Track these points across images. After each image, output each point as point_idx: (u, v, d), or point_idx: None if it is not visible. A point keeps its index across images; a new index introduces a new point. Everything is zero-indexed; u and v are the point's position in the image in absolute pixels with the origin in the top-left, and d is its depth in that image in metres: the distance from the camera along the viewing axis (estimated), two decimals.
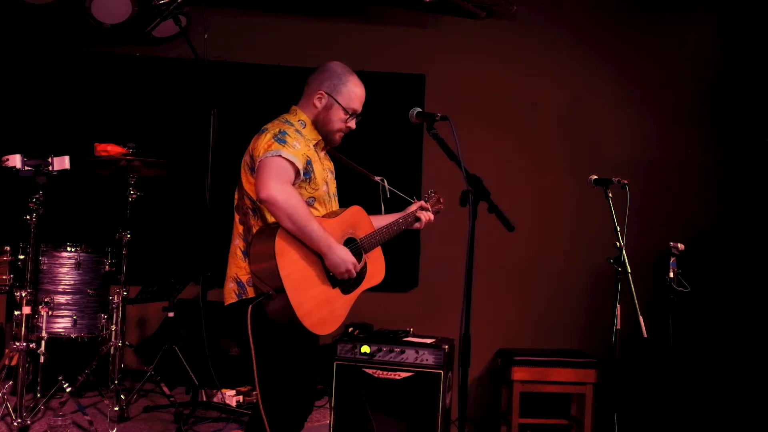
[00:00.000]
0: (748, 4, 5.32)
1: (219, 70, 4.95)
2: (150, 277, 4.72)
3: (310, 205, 2.76)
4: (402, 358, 3.96)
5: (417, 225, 3.17)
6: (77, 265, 4.27)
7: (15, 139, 4.72)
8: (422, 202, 3.23)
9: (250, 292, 2.70)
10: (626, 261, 3.43)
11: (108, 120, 5.13)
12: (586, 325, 5.27)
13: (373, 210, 3.12)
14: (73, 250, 4.28)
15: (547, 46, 5.46)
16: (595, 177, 3.66)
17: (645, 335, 3.30)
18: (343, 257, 2.69)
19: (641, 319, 3.30)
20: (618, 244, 3.44)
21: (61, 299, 4.22)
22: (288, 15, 5.45)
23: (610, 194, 3.52)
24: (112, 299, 4.34)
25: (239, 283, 2.74)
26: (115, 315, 4.32)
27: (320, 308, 2.67)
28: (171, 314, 4.60)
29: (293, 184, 2.68)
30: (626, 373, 4.91)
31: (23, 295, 3.94)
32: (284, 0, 5.44)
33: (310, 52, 5.37)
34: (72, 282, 4.25)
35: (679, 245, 3.63)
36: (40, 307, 4.12)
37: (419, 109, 2.81)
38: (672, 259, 3.61)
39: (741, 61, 5.33)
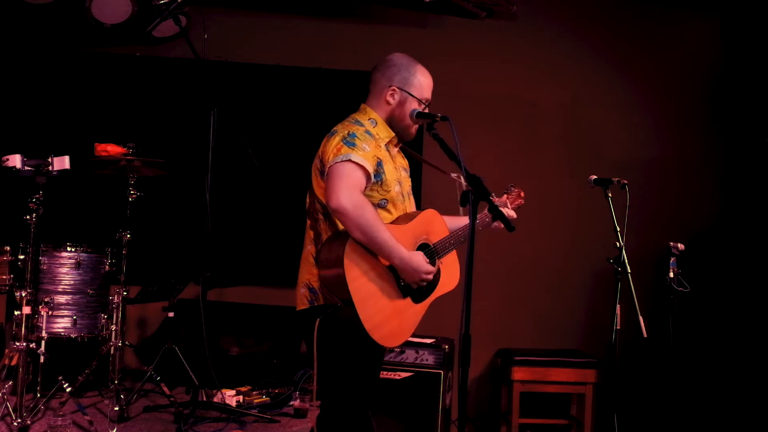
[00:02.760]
0: (748, 4, 5.31)
1: (219, 70, 4.94)
2: (150, 277, 4.72)
3: (382, 207, 2.68)
4: (402, 358, 3.97)
5: (495, 224, 3.00)
6: (77, 265, 4.26)
7: (15, 139, 4.73)
8: (501, 198, 3.10)
9: (322, 299, 2.63)
10: (626, 261, 3.43)
11: (108, 120, 5.14)
12: (586, 325, 5.27)
13: (451, 208, 3.00)
14: (73, 250, 4.27)
15: (547, 46, 5.46)
16: (595, 177, 3.65)
17: (645, 335, 3.30)
18: (417, 267, 2.60)
19: (641, 319, 3.29)
20: (618, 244, 3.44)
21: (61, 299, 4.22)
22: (288, 15, 5.45)
23: (610, 194, 3.52)
24: (112, 299, 4.34)
25: (311, 290, 2.65)
26: (115, 315, 4.32)
27: (390, 320, 2.58)
28: (171, 314, 4.60)
29: (365, 189, 2.60)
30: (626, 373, 4.91)
31: (23, 295, 3.94)
32: (284, 0, 5.44)
33: (310, 52, 5.38)
34: (72, 282, 4.25)
35: (679, 245, 3.63)
36: (40, 307, 4.12)
37: (419, 109, 2.80)
38: (672, 259, 3.61)
39: (741, 62, 5.33)
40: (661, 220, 5.22)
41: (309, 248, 2.71)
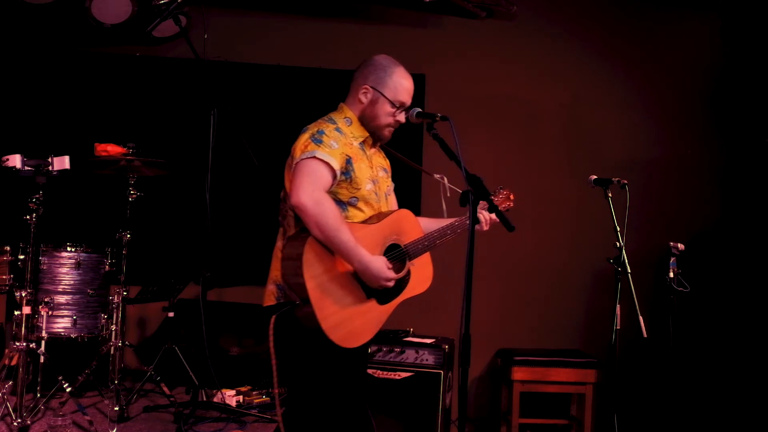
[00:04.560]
0: (748, 3, 5.31)
1: (219, 70, 4.94)
2: (150, 277, 4.72)
3: (352, 205, 2.64)
4: (402, 358, 3.96)
5: (477, 227, 2.87)
6: (77, 265, 4.27)
7: (15, 139, 4.73)
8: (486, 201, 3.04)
9: (291, 296, 2.57)
10: (626, 261, 3.43)
11: (108, 120, 5.14)
12: (586, 325, 5.27)
13: (436, 209, 2.98)
14: (73, 250, 4.28)
15: (547, 46, 5.46)
16: (595, 177, 3.65)
17: (645, 335, 3.30)
18: (377, 273, 2.54)
19: (641, 319, 3.29)
20: (618, 244, 3.44)
21: (61, 299, 4.22)
22: (288, 15, 5.45)
23: (610, 194, 3.52)
24: (112, 299, 4.35)
25: (279, 286, 2.61)
26: (115, 315, 4.32)
27: (349, 321, 2.53)
28: (171, 314, 4.61)
29: (331, 186, 2.57)
30: (626, 373, 4.91)
31: (23, 295, 3.94)
32: (284, 0, 5.44)
33: (310, 52, 5.38)
34: (72, 282, 4.25)
35: (679, 245, 3.63)
36: (40, 307, 4.12)
37: (419, 109, 2.79)
38: (672, 259, 3.61)
39: (741, 62, 5.32)
40: (661, 220, 5.22)
41: (278, 244, 2.68)
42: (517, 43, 5.47)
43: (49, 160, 3.97)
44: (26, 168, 3.89)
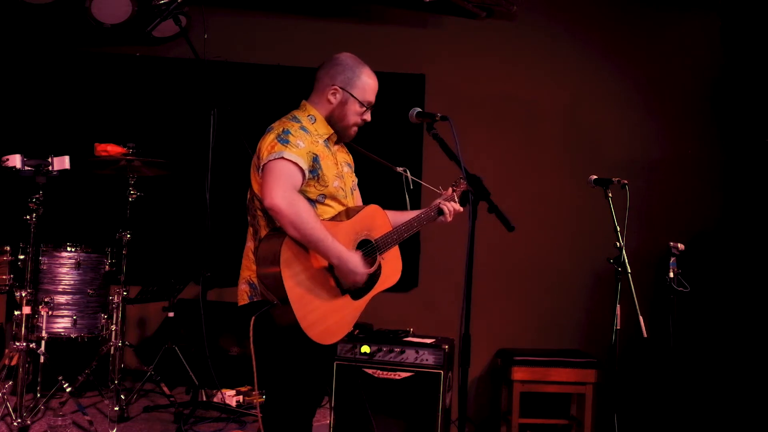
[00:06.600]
0: (748, 4, 5.31)
1: (219, 70, 4.94)
2: (150, 277, 4.72)
3: (320, 202, 2.67)
4: (402, 358, 3.96)
5: (442, 219, 2.98)
6: (77, 265, 4.27)
7: (15, 139, 4.72)
8: (447, 192, 3.03)
9: (268, 296, 2.61)
10: (626, 261, 3.43)
11: (108, 120, 5.14)
12: (586, 325, 5.27)
13: (398, 202, 3.01)
14: (73, 250, 4.28)
15: (547, 46, 5.46)
16: (595, 177, 3.65)
17: (645, 335, 3.30)
18: (353, 268, 2.59)
19: (641, 319, 3.29)
20: (618, 244, 3.44)
21: (61, 299, 4.22)
22: (288, 15, 5.45)
23: (610, 194, 3.52)
24: (112, 299, 4.35)
25: (251, 285, 2.66)
26: (115, 315, 4.32)
27: (326, 318, 2.59)
28: (171, 314, 4.61)
29: (301, 185, 2.60)
30: (626, 373, 4.91)
31: (23, 295, 3.94)
32: (284, 0, 5.44)
33: (310, 52, 5.36)
34: (72, 282, 4.26)
35: (679, 245, 3.62)
36: (40, 307, 4.12)
37: (419, 109, 2.80)
38: (672, 259, 3.61)
39: (741, 61, 5.33)
40: (661, 220, 5.22)
41: (249, 244, 2.73)
42: (517, 43, 5.47)
43: (49, 160, 3.97)
44: (26, 168, 3.89)
